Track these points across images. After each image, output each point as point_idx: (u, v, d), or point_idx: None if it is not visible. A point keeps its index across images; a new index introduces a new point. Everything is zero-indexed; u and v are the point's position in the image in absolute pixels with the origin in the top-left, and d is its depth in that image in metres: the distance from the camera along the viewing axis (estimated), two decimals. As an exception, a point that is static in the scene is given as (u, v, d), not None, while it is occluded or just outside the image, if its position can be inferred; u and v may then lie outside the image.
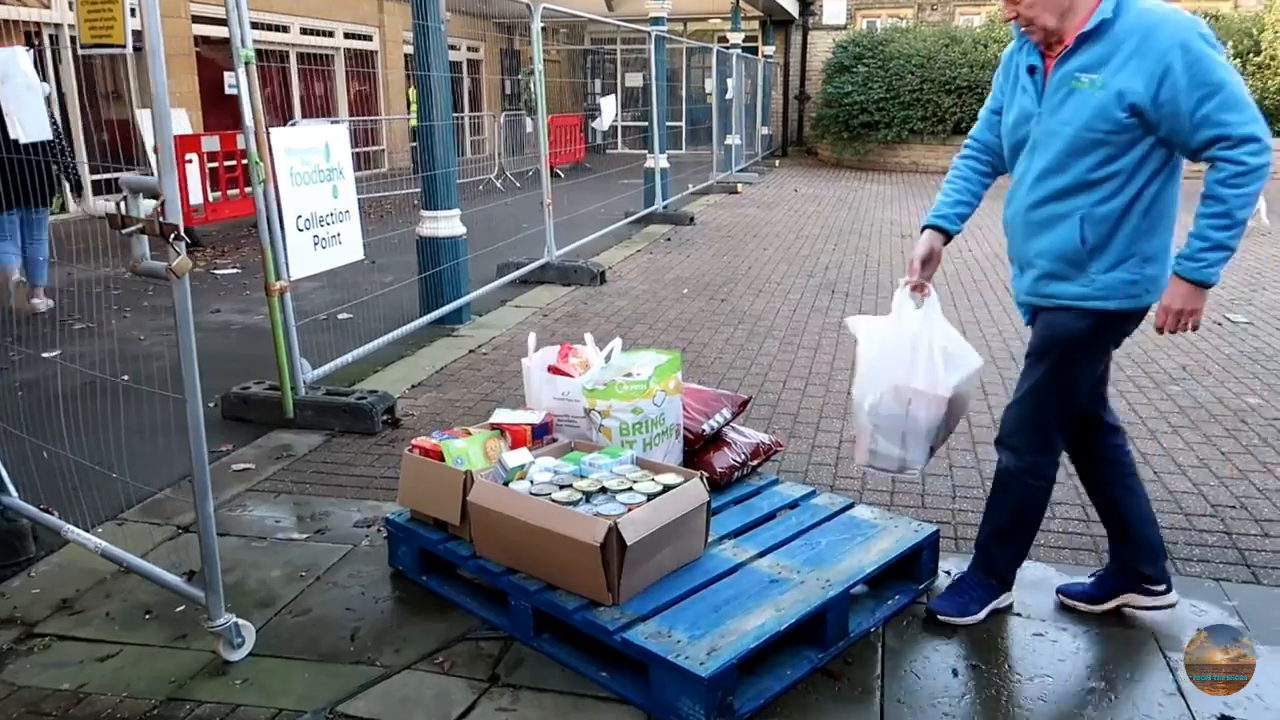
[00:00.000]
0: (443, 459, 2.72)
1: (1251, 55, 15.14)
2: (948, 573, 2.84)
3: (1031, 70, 2.33)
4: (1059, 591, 2.69)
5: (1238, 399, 4.42)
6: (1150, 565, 2.58)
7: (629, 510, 2.37)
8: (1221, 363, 5.01)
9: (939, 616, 2.58)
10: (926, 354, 2.54)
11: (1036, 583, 2.79)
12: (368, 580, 2.85)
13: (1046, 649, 2.47)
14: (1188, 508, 3.27)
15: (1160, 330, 2.29)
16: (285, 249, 4.04)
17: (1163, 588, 2.59)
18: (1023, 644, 2.49)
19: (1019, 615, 2.62)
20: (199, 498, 2.34)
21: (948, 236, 2.58)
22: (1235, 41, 15.35)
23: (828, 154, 19.28)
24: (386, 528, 2.90)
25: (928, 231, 2.58)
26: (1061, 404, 2.43)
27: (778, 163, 19.76)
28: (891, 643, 2.50)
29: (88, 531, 3.04)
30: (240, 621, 2.45)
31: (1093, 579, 2.67)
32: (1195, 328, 2.26)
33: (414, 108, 15.60)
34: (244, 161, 3.87)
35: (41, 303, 6.32)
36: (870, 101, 17.49)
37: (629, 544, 2.27)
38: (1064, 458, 2.61)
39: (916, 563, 2.69)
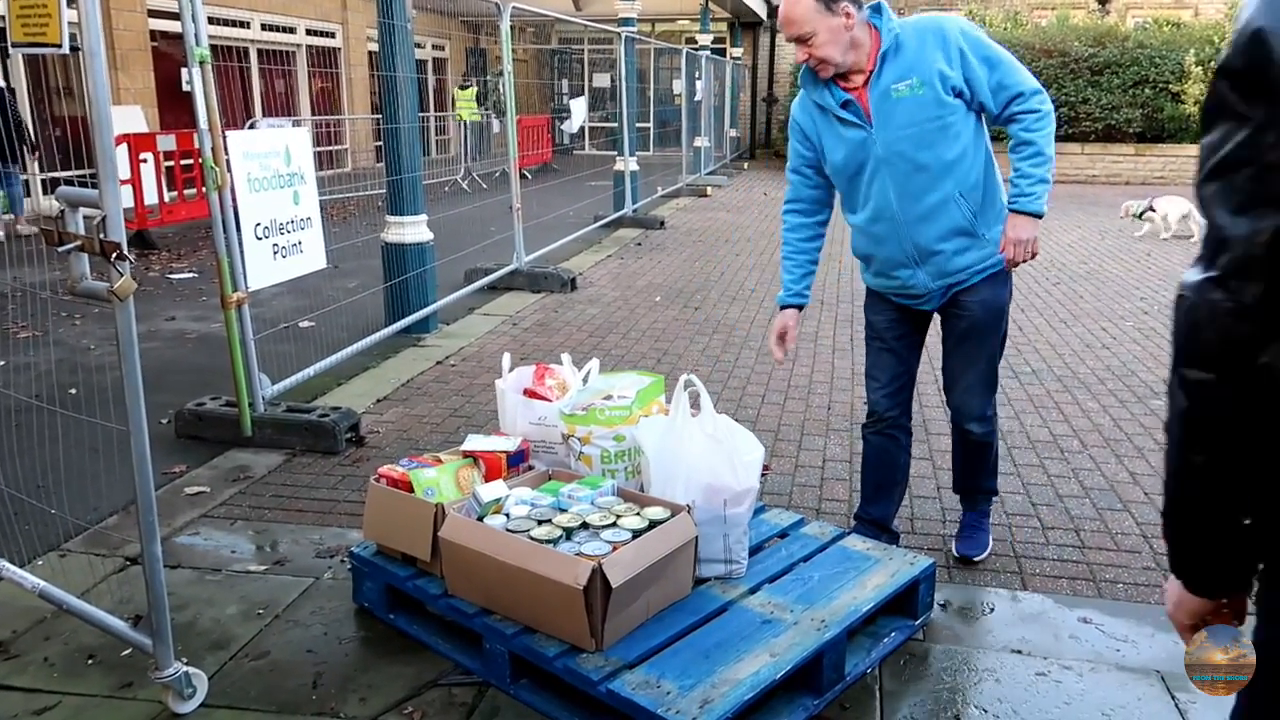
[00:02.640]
0: (411, 490, 2.54)
1: (1211, 64, 15.29)
2: (943, 605, 2.72)
3: (846, 104, 2.57)
4: None
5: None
6: (894, 522, 3.04)
7: (614, 549, 2.21)
8: (1202, 375, 4.95)
9: (974, 559, 2.93)
10: (724, 449, 2.45)
11: (1035, 616, 2.68)
12: (330, 618, 2.67)
13: (1051, 690, 2.35)
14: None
15: (1012, 265, 2.60)
16: (243, 258, 3.83)
17: (896, 544, 2.93)
18: (1026, 685, 2.37)
19: (1019, 653, 2.50)
20: (145, 539, 2.15)
21: (801, 308, 2.87)
22: (1196, 49, 15.51)
23: (796, 157, 19.20)
24: (351, 561, 2.72)
25: (787, 310, 2.85)
26: (1001, 357, 2.84)
27: (746, 165, 19.71)
28: (889, 685, 2.37)
29: (26, 564, 2.85)
30: (191, 670, 2.26)
31: None
32: (1035, 254, 2.60)
33: (458, 104, 15.49)
34: (201, 161, 3.65)
35: (26, 229, 8.51)
36: (839, 105, 17.42)
37: (614, 586, 2.11)
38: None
39: (913, 597, 2.56)
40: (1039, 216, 2.57)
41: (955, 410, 2.87)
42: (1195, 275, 0.99)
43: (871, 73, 2.52)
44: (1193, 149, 15.61)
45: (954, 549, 3.00)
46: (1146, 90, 15.78)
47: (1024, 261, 2.59)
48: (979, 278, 2.67)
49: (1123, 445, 3.95)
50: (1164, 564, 2.95)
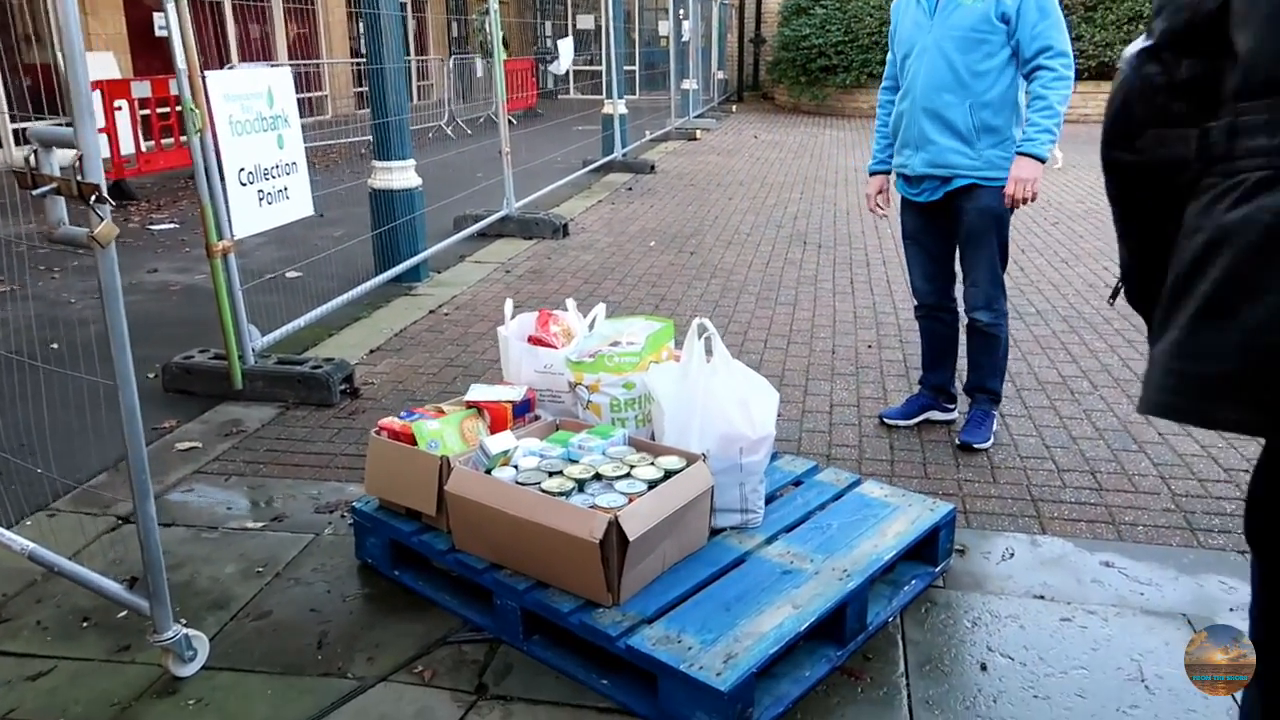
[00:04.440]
0: (414, 442, 2.44)
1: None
2: (960, 551, 2.66)
3: None
4: (882, 417, 3.55)
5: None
6: (951, 387, 3.53)
7: (629, 500, 2.13)
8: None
9: (975, 446, 3.26)
10: (739, 395, 2.37)
11: (1056, 560, 2.63)
12: (333, 575, 2.59)
13: (1077, 636, 2.29)
14: (1200, 473, 3.12)
15: (1013, 202, 2.98)
16: (227, 205, 3.68)
17: (954, 405, 3.54)
18: (1051, 631, 2.31)
19: (1042, 598, 2.45)
20: (138, 497, 2.04)
21: (887, 174, 3.42)
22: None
23: (785, 99, 18.94)
24: (353, 517, 2.63)
25: (875, 176, 3.43)
26: (1004, 259, 3.19)
27: (734, 108, 19.38)
28: (912, 634, 2.31)
29: (14, 526, 2.75)
30: (191, 632, 2.17)
31: (905, 403, 3.57)
32: (1035, 196, 2.98)
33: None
34: (179, 109, 3.49)
35: None
36: (828, 45, 17.13)
37: (631, 540, 2.03)
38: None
39: (933, 544, 2.49)
40: (1041, 160, 2.97)
41: (965, 300, 3.26)
42: (1134, 46, 0.92)
43: None
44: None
45: (957, 439, 3.31)
46: (1141, 26, 15.51)
47: (1024, 201, 2.97)
48: (968, 182, 3.09)
49: (1133, 385, 3.89)
50: (1183, 505, 2.90)
